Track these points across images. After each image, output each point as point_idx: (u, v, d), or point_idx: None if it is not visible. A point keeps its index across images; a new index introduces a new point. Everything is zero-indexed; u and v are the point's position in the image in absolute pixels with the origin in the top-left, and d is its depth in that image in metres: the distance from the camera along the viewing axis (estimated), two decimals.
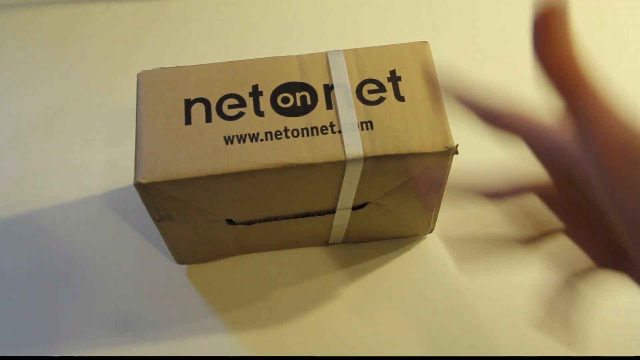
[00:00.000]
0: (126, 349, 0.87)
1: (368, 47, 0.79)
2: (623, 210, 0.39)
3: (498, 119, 0.50)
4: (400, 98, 0.75)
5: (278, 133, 0.73)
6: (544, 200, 0.56)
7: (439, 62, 0.80)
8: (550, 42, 0.39)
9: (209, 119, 0.74)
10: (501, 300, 0.89)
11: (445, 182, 0.79)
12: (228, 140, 0.73)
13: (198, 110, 0.75)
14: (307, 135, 0.73)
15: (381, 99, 0.75)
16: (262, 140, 0.72)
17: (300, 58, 0.78)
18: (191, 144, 0.72)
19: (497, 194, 0.57)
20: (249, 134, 0.73)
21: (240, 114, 0.74)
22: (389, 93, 0.75)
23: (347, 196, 0.79)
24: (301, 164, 0.71)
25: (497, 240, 0.61)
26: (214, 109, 0.75)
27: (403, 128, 0.73)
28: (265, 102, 0.75)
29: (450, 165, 0.75)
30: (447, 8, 1.21)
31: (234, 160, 0.71)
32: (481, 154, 1.02)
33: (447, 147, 0.72)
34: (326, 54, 0.78)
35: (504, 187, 0.57)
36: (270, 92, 0.76)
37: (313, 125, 0.73)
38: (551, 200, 0.56)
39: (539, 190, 0.56)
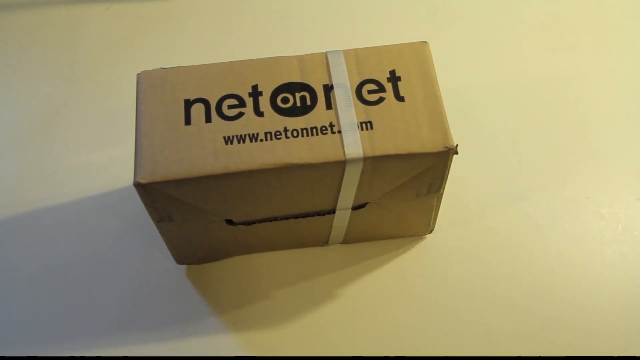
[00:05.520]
0: (126, 349, 0.87)
1: (368, 47, 0.79)
2: None
3: None
4: (400, 98, 0.75)
5: (278, 133, 0.73)
6: None
7: (438, 62, 0.80)
8: None
9: (208, 119, 0.74)
10: (501, 300, 0.89)
11: (445, 182, 0.79)
12: (228, 140, 0.73)
13: (198, 110, 0.75)
14: (307, 135, 0.73)
15: (381, 99, 0.75)
16: (261, 140, 0.72)
17: (300, 58, 0.78)
18: (191, 144, 0.72)
19: None
20: (249, 134, 0.73)
21: (240, 114, 0.74)
22: (389, 93, 0.75)
23: (347, 196, 0.79)
24: (301, 164, 0.71)
25: None
26: (214, 109, 0.75)
27: (403, 128, 0.73)
28: (265, 102, 0.75)
29: (450, 166, 0.75)
30: (447, 8, 1.21)
31: (234, 160, 0.71)
32: (481, 154, 1.02)
33: (447, 147, 0.72)
34: (326, 54, 0.78)
35: None
36: (270, 92, 0.76)
37: (313, 126, 0.73)
38: None
39: None
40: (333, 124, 0.73)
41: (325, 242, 0.93)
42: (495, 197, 0.98)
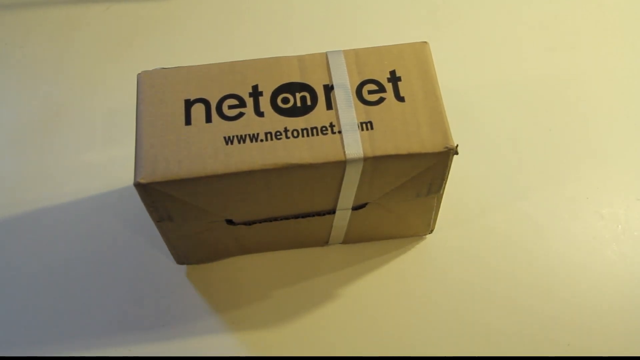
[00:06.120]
0: (126, 349, 0.87)
1: (368, 48, 0.79)
2: None
3: None
4: (400, 98, 0.75)
5: (278, 133, 0.73)
6: None
7: (438, 62, 0.80)
8: None
9: (209, 119, 0.74)
10: (501, 300, 0.89)
11: (445, 182, 0.79)
12: (228, 140, 0.73)
13: (198, 110, 0.75)
14: (307, 135, 0.73)
15: (381, 99, 0.75)
16: (262, 140, 0.72)
17: (300, 58, 0.78)
18: (191, 144, 0.72)
19: None
20: (249, 134, 0.73)
21: (240, 115, 0.74)
22: (389, 93, 0.75)
23: (347, 196, 0.79)
24: (301, 164, 0.71)
25: None
26: (214, 109, 0.75)
27: (403, 128, 0.73)
28: (265, 103, 0.75)
29: (450, 166, 0.75)
30: (447, 8, 1.21)
31: (234, 160, 0.71)
32: (481, 154, 1.02)
33: (447, 147, 0.72)
34: (326, 54, 0.78)
35: None
36: (270, 93, 0.76)
37: (313, 126, 0.73)
38: None
39: None
40: (333, 124, 0.73)
41: (325, 242, 0.93)
42: (495, 197, 0.98)
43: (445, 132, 0.73)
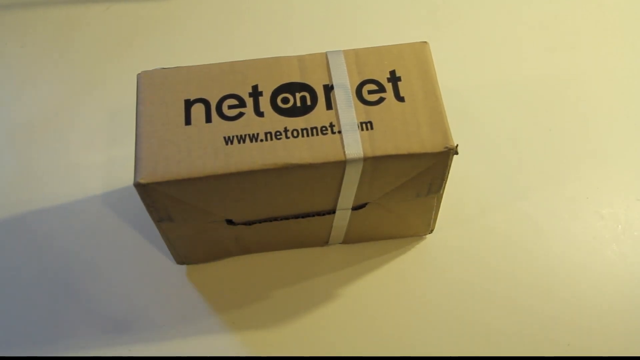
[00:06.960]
0: (126, 349, 0.87)
1: (368, 48, 0.79)
2: None
3: None
4: (400, 98, 0.75)
5: (278, 133, 0.73)
6: None
7: (438, 62, 0.80)
8: None
9: (208, 119, 0.74)
10: (501, 300, 0.89)
11: (445, 182, 0.79)
12: (228, 140, 0.73)
13: (198, 110, 0.75)
14: (307, 135, 0.73)
15: (381, 99, 0.75)
16: (262, 140, 0.72)
17: (300, 58, 0.78)
18: (191, 144, 0.72)
19: None
20: (249, 134, 0.73)
21: (240, 115, 0.74)
22: (389, 93, 0.75)
23: (347, 196, 0.79)
24: (301, 164, 0.71)
25: None
26: (214, 109, 0.75)
27: (403, 128, 0.73)
28: (265, 103, 0.75)
29: (450, 166, 0.75)
30: (447, 8, 1.21)
31: (234, 160, 0.71)
32: (481, 154, 1.02)
33: (447, 147, 0.72)
34: (326, 54, 0.78)
35: None
36: (270, 93, 0.76)
37: (313, 126, 0.73)
38: None
39: None
40: (333, 124, 0.73)
41: (325, 242, 0.93)
42: (495, 196, 0.98)
43: (445, 132, 0.73)
